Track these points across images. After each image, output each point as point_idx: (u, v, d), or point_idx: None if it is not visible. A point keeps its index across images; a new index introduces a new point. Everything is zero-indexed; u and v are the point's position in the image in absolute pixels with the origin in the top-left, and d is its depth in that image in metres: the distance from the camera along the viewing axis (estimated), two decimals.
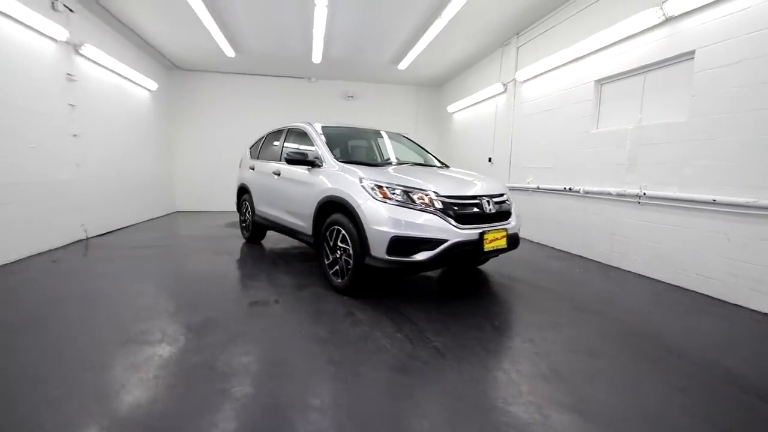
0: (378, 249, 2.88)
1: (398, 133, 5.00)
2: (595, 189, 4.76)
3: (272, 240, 5.67)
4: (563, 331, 2.67)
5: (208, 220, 7.92)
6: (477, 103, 8.10)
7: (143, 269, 4.04)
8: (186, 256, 4.72)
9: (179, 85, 8.99)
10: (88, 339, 2.39)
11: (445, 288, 3.64)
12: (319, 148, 3.87)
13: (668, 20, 3.80)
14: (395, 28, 6.33)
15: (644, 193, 4.07)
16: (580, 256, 5.05)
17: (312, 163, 3.78)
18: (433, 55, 7.52)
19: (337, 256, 3.30)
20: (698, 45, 3.55)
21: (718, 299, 3.39)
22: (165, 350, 2.24)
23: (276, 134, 5.04)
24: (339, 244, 3.25)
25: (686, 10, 3.60)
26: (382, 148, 4.70)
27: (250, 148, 5.78)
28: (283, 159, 4.52)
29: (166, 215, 8.47)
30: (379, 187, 3.01)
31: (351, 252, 3.10)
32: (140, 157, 7.35)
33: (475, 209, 3.11)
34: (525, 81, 6.34)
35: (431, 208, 2.93)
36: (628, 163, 4.33)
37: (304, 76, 9.44)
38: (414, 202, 2.93)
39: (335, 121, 4.77)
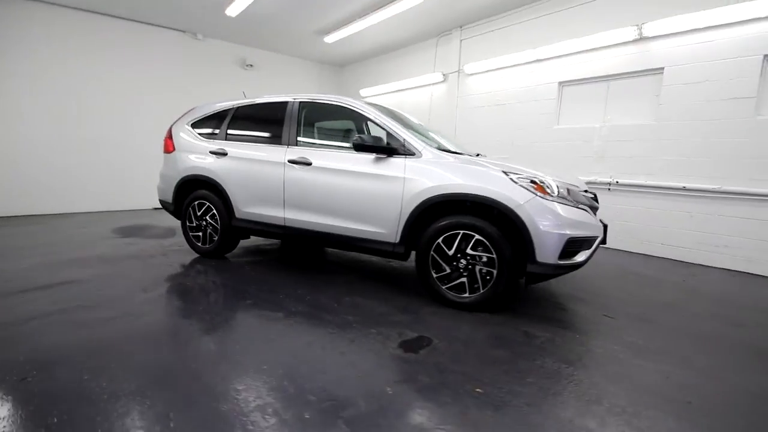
0: (547, 254, 2.51)
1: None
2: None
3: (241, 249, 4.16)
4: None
5: (70, 228, 5.15)
6: (404, 90, 7.98)
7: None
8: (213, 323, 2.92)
9: None
10: None
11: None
12: (399, 131, 3.03)
13: (642, 39, 4.64)
14: None
15: (616, 182, 4.94)
16: None
17: (392, 150, 2.94)
18: (361, 33, 6.93)
19: (462, 266, 2.70)
20: (668, 64, 4.49)
21: (682, 261, 4.49)
22: None
23: (271, 108, 3.66)
24: (470, 252, 2.67)
25: (661, 34, 4.48)
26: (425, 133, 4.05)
27: (192, 123, 4.03)
28: (305, 144, 3.37)
29: None
30: (533, 182, 2.61)
31: (497, 260, 2.59)
32: None
33: (592, 201, 3.08)
34: (473, 74, 6.62)
35: (579, 203, 2.75)
36: (597, 156, 5.15)
37: (188, 30, 7.14)
38: (566, 197, 2.67)
39: (252, 95, 3.92)
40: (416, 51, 7.70)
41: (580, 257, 2.64)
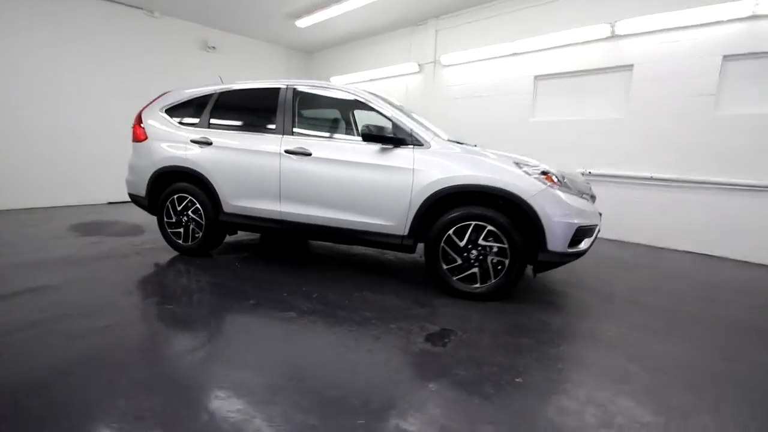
0: (558, 243, 2.58)
1: None
2: None
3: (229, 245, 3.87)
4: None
5: (16, 226, 4.52)
6: (377, 79, 7.84)
7: None
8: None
9: None
10: None
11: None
12: (406, 121, 2.95)
13: (614, 37, 4.89)
14: None
15: (589, 172, 5.21)
16: None
17: (401, 141, 2.86)
18: (334, 19, 6.70)
19: (473, 257, 2.71)
20: (637, 61, 4.78)
21: (652, 246, 4.86)
22: None
23: (261, 95, 3.42)
24: (482, 242, 2.68)
25: (632, 32, 4.74)
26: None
27: (167, 110, 3.67)
28: (301, 134, 3.19)
29: None
30: (544, 173, 2.66)
31: (509, 250, 2.63)
32: None
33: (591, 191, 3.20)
34: (450, 66, 6.64)
35: (582, 193, 2.85)
36: (572, 147, 5.39)
37: (144, 7, 6.47)
38: (570, 186, 2.76)
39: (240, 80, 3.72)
40: (390, 39, 7.59)
41: (584, 245, 2.75)
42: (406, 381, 1.79)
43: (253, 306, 2.57)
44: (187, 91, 3.71)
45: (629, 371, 1.94)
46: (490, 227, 2.66)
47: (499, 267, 2.70)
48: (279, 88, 3.34)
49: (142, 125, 3.72)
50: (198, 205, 3.46)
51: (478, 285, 2.76)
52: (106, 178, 6.44)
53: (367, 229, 2.97)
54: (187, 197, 3.50)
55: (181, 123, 3.59)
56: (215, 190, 3.37)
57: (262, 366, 1.86)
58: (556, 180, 2.67)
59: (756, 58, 4.04)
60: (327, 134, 3.34)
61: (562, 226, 2.57)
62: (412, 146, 2.87)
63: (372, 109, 3.09)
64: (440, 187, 2.72)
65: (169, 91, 3.80)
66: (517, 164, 2.68)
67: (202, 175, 3.39)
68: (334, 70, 8.69)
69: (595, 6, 5.00)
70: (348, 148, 3.04)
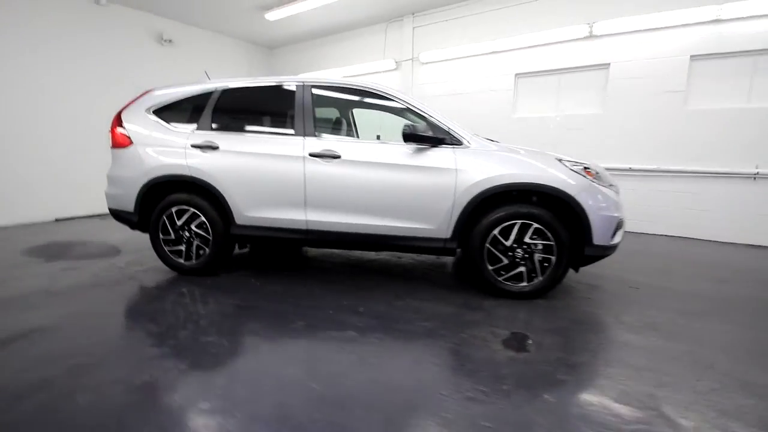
0: (603, 237, 2.64)
1: None
2: None
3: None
4: None
5: None
6: (350, 76, 7.60)
7: None
8: None
9: None
10: None
11: None
12: (442, 120, 2.84)
13: (592, 37, 5.17)
14: None
15: None
16: None
17: (440, 141, 2.75)
18: (307, 13, 6.39)
19: (519, 255, 2.69)
20: (613, 60, 5.10)
21: (632, 231, 5.23)
22: None
23: (273, 93, 3.11)
24: (528, 240, 2.67)
25: (609, 33, 5.04)
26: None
27: (155, 110, 3.21)
28: (325, 135, 2.95)
29: None
30: (586, 168, 2.71)
31: (555, 246, 2.64)
32: None
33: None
34: (429, 63, 6.62)
35: (611, 186, 2.94)
36: (553, 142, 5.64)
37: None
38: (603, 179, 2.83)
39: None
40: (362, 36, 7.40)
41: (619, 237, 2.85)
42: (521, 396, 1.70)
43: (305, 329, 2.32)
44: (177, 89, 3.27)
45: (705, 356, 2.03)
46: (536, 225, 2.66)
47: (545, 264, 2.71)
48: (294, 86, 3.06)
49: (122, 129, 3.21)
50: (203, 218, 3.07)
51: (525, 283, 2.75)
52: (51, 192, 5.56)
53: (407, 234, 2.83)
54: (189, 210, 3.09)
55: (176, 125, 3.15)
56: (225, 200, 3.00)
57: (361, 400, 1.66)
58: (594, 174, 2.73)
59: (720, 59, 4.50)
60: (347, 134, 3.14)
61: (606, 219, 2.64)
62: (451, 145, 2.77)
63: (402, 107, 2.95)
64: (487, 187, 2.66)
65: (153, 89, 3.32)
66: (560, 160, 2.71)
67: (209, 184, 3.00)
68: (300, 66, 8.30)
69: (573, 7, 5.25)
70: (380, 148, 2.87)
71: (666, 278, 3.35)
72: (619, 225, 2.74)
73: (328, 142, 2.90)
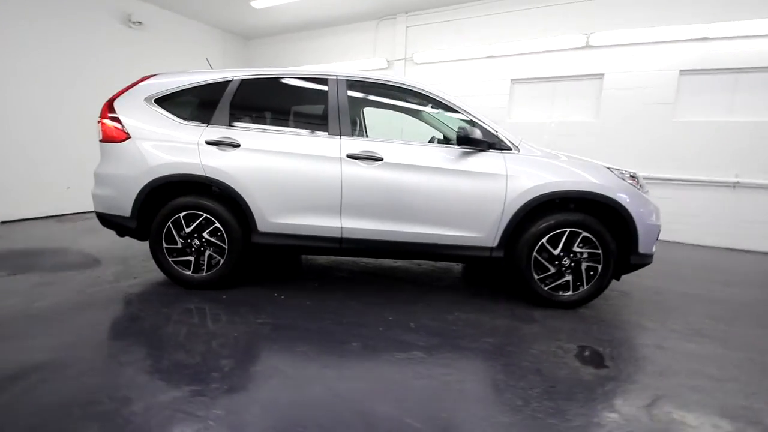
0: (647, 245, 2.65)
1: None
2: None
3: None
4: None
5: None
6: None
7: None
8: None
9: None
10: None
11: None
12: (490, 123, 2.70)
13: (588, 47, 5.32)
14: None
15: None
16: None
17: (491, 145, 2.62)
18: (293, 3, 6.04)
19: (564, 265, 2.63)
20: (607, 70, 5.28)
21: None
22: None
23: (303, 86, 2.78)
24: (576, 249, 2.61)
25: (604, 44, 5.22)
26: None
27: (157, 99, 2.77)
28: (363, 134, 2.71)
29: None
30: (632, 176, 2.71)
31: (602, 255, 2.61)
32: None
33: None
34: (423, 64, 6.51)
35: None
36: (547, 147, 5.74)
37: None
38: (644, 188, 2.85)
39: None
40: (352, 32, 7.12)
41: (655, 247, 2.88)
42: (631, 417, 1.60)
43: (363, 350, 2.07)
44: (182, 77, 2.85)
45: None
46: (585, 233, 2.61)
47: (591, 273, 2.67)
48: (328, 79, 2.77)
49: (115, 120, 2.74)
50: (218, 224, 2.69)
51: (570, 293, 2.70)
52: None
53: (452, 242, 2.67)
54: (202, 215, 2.69)
55: (185, 118, 2.74)
56: (247, 204, 2.66)
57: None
58: (639, 182, 2.74)
59: (706, 74, 4.81)
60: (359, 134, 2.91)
61: (651, 227, 2.65)
62: (500, 150, 2.65)
63: (448, 108, 2.79)
64: (539, 194, 2.56)
65: (155, 75, 2.88)
66: (609, 168, 2.69)
67: (229, 187, 2.64)
68: (282, 60, 7.84)
69: (570, 17, 5.38)
70: (424, 151, 2.68)
71: (678, 282, 3.47)
72: (659, 233, 2.77)
73: (367, 142, 2.66)
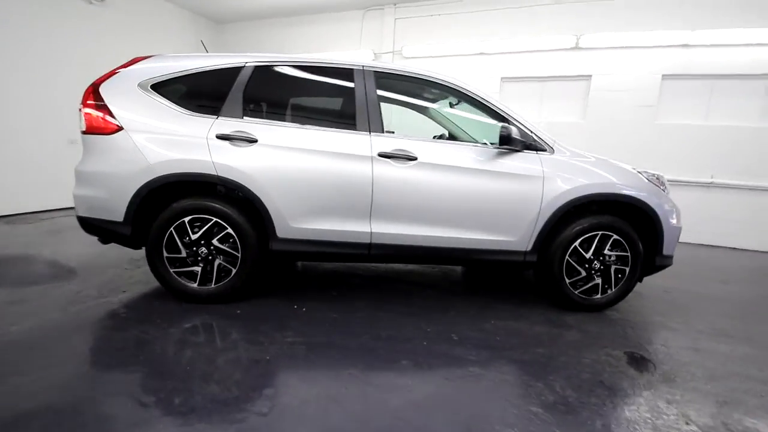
0: (671, 246, 2.69)
1: None
2: None
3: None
4: None
5: None
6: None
7: None
8: None
9: None
10: None
11: None
12: (527, 123, 2.60)
13: (577, 48, 5.42)
14: None
15: None
16: None
17: (528, 146, 2.53)
18: None
19: (594, 268, 2.61)
20: (595, 72, 5.42)
21: None
22: None
23: (332, 77, 2.54)
24: (607, 252, 2.59)
25: (592, 46, 5.34)
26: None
27: (153, 85, 2.39)
28: (393, 131, 2.52)
29: None
30: (658, 178, 2.74)
31: (631, 257, 2.62)
32: None
33: None
34: (413, 58, 6.34)
35: None
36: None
37: None
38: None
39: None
40: (335, 21, 6.80)
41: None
42: (715, 424, 1.57)
43: (417, 369, 1.90)
44: (184, 60, 2.49)
45: None
46: (615, 236, 2.60)
47: (619, 275, 2.68)
48: (353, 69, 2.53)
49: (102, 108, 2.34)
50: (230, 230, 2.39)
51: (599, 296, 2.69)
52: None
53: (486, 246, 2.55)
54: (212, 219, 2.37)
55: (190, 108, 2.39)
56: (266, 207, 2.37)
57: None
58: (663, 184, 2.78)
59: (687, 79, 5.07)
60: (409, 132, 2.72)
61: (675, 229, 2.70)
62: (536, 151, 2.57)
63: (483, 105, 2.67)
64: (574, 197, 2.51)
65: (149, 57, 2.49)
66: (637, 171, 2.69)
67: (244, 187, 2.33)
68: (257, 48, 7.33)
69: (560, 18, 5.45)
70: (458, 150, 2.54)
71: (680, 280, 3.60)
72: (680, 235, 2.83)
73: (399, 140, 2.47)
